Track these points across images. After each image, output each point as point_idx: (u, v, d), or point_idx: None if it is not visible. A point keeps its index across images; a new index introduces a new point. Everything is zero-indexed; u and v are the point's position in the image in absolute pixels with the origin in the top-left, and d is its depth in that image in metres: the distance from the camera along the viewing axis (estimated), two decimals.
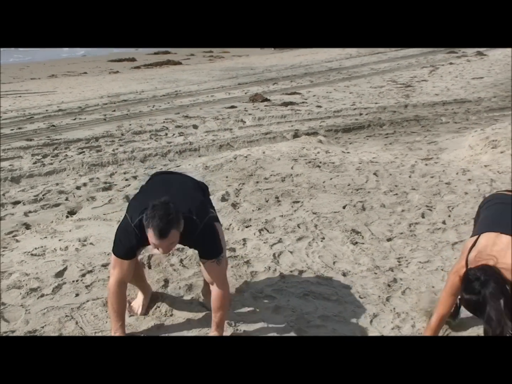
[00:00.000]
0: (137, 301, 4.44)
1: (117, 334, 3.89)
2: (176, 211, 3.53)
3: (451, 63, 20.54)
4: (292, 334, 4.18)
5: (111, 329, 3.95)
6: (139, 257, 4.63)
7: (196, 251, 4.03)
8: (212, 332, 3.97)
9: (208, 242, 3.83)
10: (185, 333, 4.14)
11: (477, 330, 4.16)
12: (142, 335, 4.10)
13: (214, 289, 3.90)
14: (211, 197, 4.54)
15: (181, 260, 5.15)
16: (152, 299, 4.51)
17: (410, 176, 7.81)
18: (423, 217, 6.38)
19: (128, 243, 3.76)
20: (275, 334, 4.15)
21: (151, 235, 3.47)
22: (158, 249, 3.54)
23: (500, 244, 3.52)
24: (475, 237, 3.68)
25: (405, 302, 4.66)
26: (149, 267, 5.00)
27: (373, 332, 4.27)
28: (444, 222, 6.22)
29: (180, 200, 3.71)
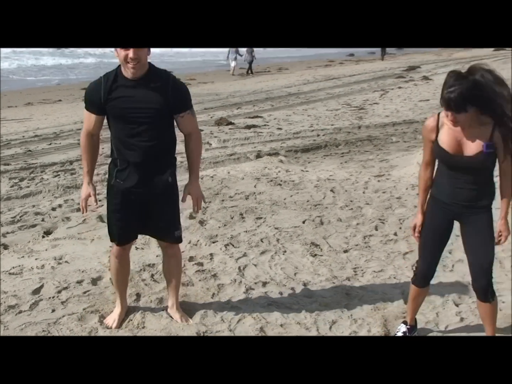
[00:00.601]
0: (113, 315, 4.41)
1: (85, 179, 4.16)
2: None
3: (399, 87, 20.82)
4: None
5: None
6: None
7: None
8: (191, 179, 4.11)
9: (182, 94, 3.96)
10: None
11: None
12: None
13: (192, 137, 4.07)
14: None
15: (152, 275, 5.12)
16: (125, 313, 4.48)
17: (364, 192, 7.88)
18: (376, 229, 6.45)
19: (94, 96, 3.89)
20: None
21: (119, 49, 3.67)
22: (128, 54, 3.64)
23: None
24: None
25: (362, 309, 4.70)
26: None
27: None
28: (395, 234, 6.29)
29: None
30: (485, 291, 3.87)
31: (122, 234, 4.17)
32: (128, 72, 3.74)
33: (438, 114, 3.71)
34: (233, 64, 29.39)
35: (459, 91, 3.35)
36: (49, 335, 4.17)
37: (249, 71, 30.22)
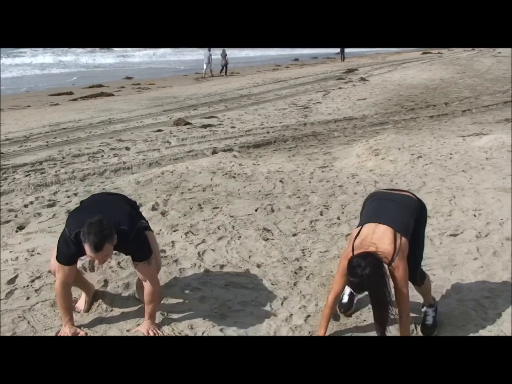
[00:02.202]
0: (81, 301, 4.37)
1: (67, 326, 3.89)
2: (109, 227, 3.51)
3: (340, 88, 20.97)
4: (217, 319, 4.19)
5: (62, 323, 3.95)
6: (81, 263, 4.56)
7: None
8: (145, 321, 3.94)
9: (139, 247, 3.82)
10: (123, 325, 4.09)
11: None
12: (89, 330, 4.02)
13: (147, 286, 3.89)
14: (142, 207, 4.51)
15: (118, 263, 5.06)
16: (94, 298, 4.43)
17: (309, 182, 7.93)
18: (321, 214, 6.51)
19: (68, 252, 3.73)
20: (201, 320, 4.15)
21: (87, 249, 3.45)
22: (94, 260, 3.55)
23: (379, 232, 3.66)
24: (359, 227, 3.80)
25: (309, 286, 4.75)
26: (91, 270, 4.89)
27: (283, 312, 4.33)
28: (338, 218, 6.37)
29: (112, 215, 3.69)
30: (413, 277, 4.00)
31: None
32: None
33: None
34: (205, 67, 29.93)
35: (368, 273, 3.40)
36: (24, 320, 4.10)
37: (222, 72, 30.98)
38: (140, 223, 3.96)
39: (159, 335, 3.90)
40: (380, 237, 3.63)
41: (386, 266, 3.53)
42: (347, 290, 4.32)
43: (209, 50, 29.50)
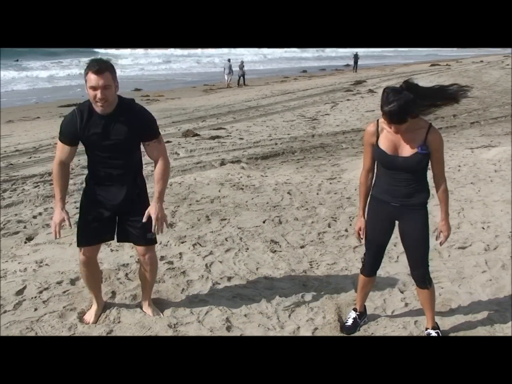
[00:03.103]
0: (90, 312, 4.37)
1: (57, 205, 3.99)
2: (110, 64, 3.75)
3: (348, 99, 21.02)
4: (224, 331, 4.18)
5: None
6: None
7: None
8: (154, 202, 3.96)
9: (148, 124, 3.92)
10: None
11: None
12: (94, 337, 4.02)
13: (160, 163, 3.99)
14: None
15: (126, 274, 5.08)
16: (102, 309, 4.43)
17: (317, 193, 7.94)
18: (329, 226, 6.50)
19: (69, 129, 3.86)
20: (208, 332, 4.14)
21: (90, 76, 3.63)
22: (96, 94, 3.64)
23: None
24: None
25: (317, 298, 4.73)
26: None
27: (291, 324, 4.32)
28: (346, 230, 6.36)
29: None
30: (423, 277, 3.94)
31: (88, 237, 4.08)
32: (98, 109, 3.76)
33: (377, 121, 3.78)
34: (227, 77, 31.80)
35: (398, 104, 3.44)
36: (32, 331, 4.11)
37: (240, 83, 32.49)
38: None
39: (164, 220, 3.98)
40: None
41: None
42: (352, 314, 4.31)
43: (229, 61, 32.59)
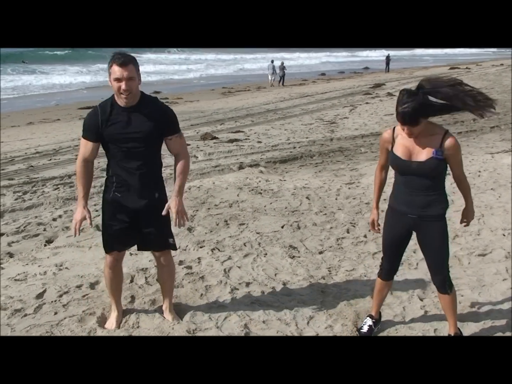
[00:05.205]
0: (111, 320, 4.40)
1: (80, 203, 4.05)
2: (134, 57, 3.81)
3: (367, 103, 20.91)
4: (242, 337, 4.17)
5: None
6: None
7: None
8: (173, 196, 3.97)
9: (170, 117, 3.98)
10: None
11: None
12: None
13: (180, 157, 4.05)
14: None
15: (145, 279, 5.11)
16: (122, 315, 4.45)
17: (336, 198, 7.91)
18: (348, 232, 6.47)
19: (92, 122, 3.90)
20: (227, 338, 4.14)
21: (114, 68, 3.69)
22: (120, 85, 3.69)
23: None
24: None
25: (336, 305, 4.71)
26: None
27: (309, 332, 4.30)
28: (365, 236, 6.32)
29: None
30: (443, 283, 3.93)
31: (114, 243, 4.14)
32: (121, 101, 3.80)
33: (394, 128, 3.78)
34: (270, 77, 33.53)
35: (412, 106, 3.43)
36: (52, 335, 4.14)
37: (281, 83, 33.77)
38: None
39: (185, 213, 3.98)
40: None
41: None
42: (368, 321, 4.29)
43: (272, 62, 34.16)
